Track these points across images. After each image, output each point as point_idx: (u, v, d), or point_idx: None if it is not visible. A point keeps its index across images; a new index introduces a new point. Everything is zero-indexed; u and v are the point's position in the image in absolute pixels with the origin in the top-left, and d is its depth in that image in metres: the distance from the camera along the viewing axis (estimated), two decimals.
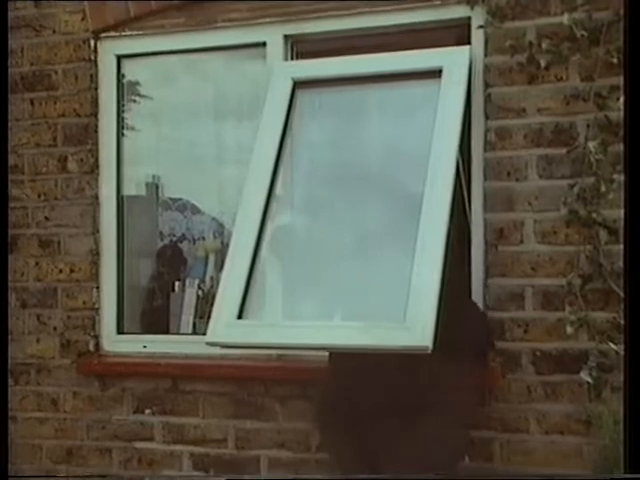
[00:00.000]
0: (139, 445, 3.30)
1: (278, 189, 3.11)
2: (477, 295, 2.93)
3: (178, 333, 3.54)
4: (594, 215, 2.68)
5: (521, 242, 2.84)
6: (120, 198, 3.47)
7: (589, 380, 2.66)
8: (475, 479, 2.31)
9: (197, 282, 3.58)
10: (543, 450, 2.78)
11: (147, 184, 3.76)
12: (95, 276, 3.40)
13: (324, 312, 3.24)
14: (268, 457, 3.12)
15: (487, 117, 2.90)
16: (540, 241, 2.81)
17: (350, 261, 3.27)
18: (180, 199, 3.77)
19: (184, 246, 3.77)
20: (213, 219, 3.75)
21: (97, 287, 3.40)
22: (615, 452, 2.38)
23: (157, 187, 3.79)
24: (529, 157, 2.83)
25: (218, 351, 3.04)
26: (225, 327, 2.84)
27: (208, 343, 2.85)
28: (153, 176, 3.78)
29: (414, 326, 2.75)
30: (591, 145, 2.68)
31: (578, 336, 2.73)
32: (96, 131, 3.39)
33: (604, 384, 2.67)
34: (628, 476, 1.90)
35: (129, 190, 3.56)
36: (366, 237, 3.28)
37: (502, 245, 2.86)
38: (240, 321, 2.87)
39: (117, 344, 3.42)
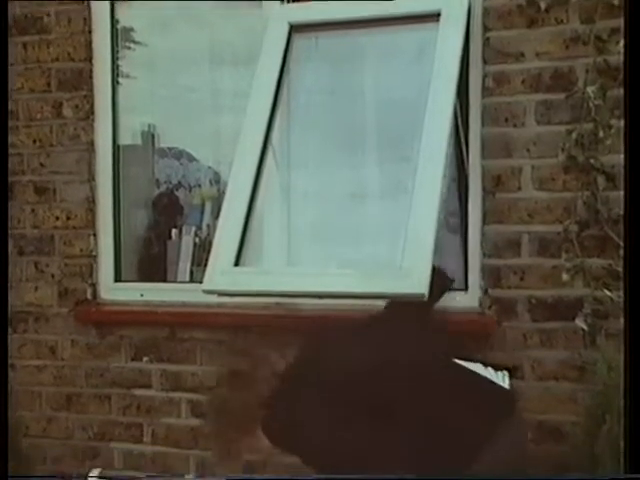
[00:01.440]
0: (137, 392, 3.34)
1: (274, 136, 3.13)
2: (474, 242, 2.95)
3: (175, 281, 3.58)
4: (592, 161, 2.68)
5: (518, 189, 2.84)
6: (116, 147, 3.46)
7: (584, 327, 2.69)
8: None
9: (194, 229, 3.60)
10: (538, 396, 2.81)
11: (143, 133, 3.78)
12: (92, 224, 3.40)
13: (321, 260, 3.29)
14: None
15: (485, 62, 2.87)
16: (538, 188, 2.81)
17: (347, 209, 3.30)
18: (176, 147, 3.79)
19: (180, 194, 3.80)
20: (209, 167, 3.78)
21: (94, 235, 3.41)
22: (608, 398, 2.42)
23: (153, 136, 3.81)
24: (527, 103, 2.82)
25: (215, 299, 3.06)
26: (222, 275, 2.87)
27: (205, 291, 2.89)
28: (149, 125, 3.79)
29: (410, 274, 2.79)
30: (590, 90, 2.66)
31: (574, 283, 2.75)
32: (91, 77, 3.36)
33: (599, 331, 2.69)
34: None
35: (124, 139, 3.55)
36: (363, 185, 3.31)
37: (499, 192, 2.86)
38: (237, 268, 2.90)
39: (114, 292, 3.44)
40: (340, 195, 3.29)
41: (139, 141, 3.73)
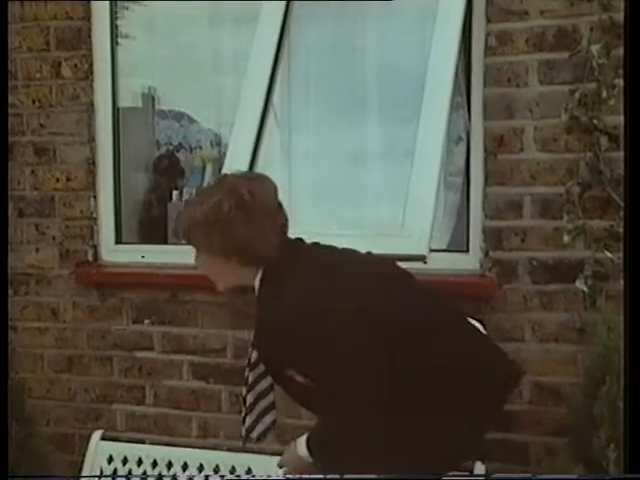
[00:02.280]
0: (139, 354, 3.37)
1: (275, 97, 3.13)
2: (476, 204, 2.95)
3: (176, 243, 3.59)
4: (595, 121, 2.67)
5: (521, 150, 2.83)
6: (116, 109, 3.45)
7: (584, 289, 2.70)
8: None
9: (194, 191, 3.60)
10: (538, 358, 2.83)
11: (143, 95, 3.78)
12: (92, 185, 3.40)
13: (322, 221, 3.31)
14: None
15: (488, 20, 2.84)
16: (540, 149, 2.80)
17: (348, 170, 3.32)
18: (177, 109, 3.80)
19: (181, 155, 3.81)
20: (210, 128, 3.78)
21: (94, 196, 3.41)
22: (608, 360, 2.44)
23: (153, 98, 3.82)
24: (530, 62, 2.80)
25: None
26: None
27: None
28: (149, 87, 3.80)
29: (411, 235, 2.83)
30: (594, 49, 2.64)
31: (575, 245, 2.76)
32: (89, 36, 3.35)
33: (599, 292, 2.70)
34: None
35: (124, 102, 3.55)
36: (364, 146, 3.32)
37: (501, 153, 2.85)
38: None
39: (115, 254, 3.45)
40: (341, 156, 3.31)
41: (139, 103, 3.73)
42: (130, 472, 3.23)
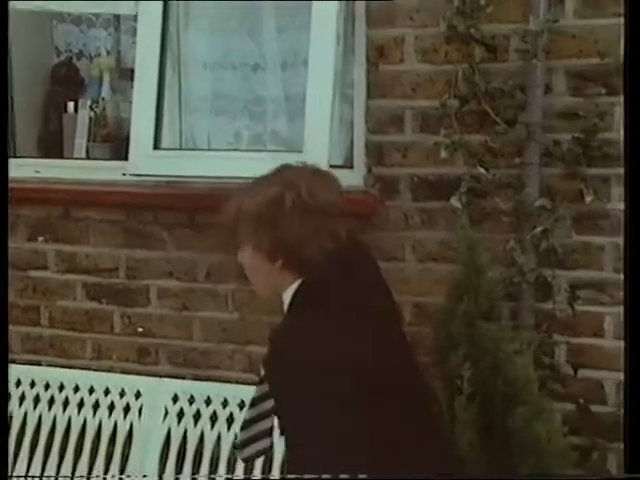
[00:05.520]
0: (33, 274, 3.56)
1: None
2: (359, 118, 3.09)
3: (72, 157, 3.76)
4: (472, 31, 2.77)
5: (401, 61, 2.95)
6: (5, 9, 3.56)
7: (459, 206, 2.86)
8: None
9: (89, 103, 3.76)
10: (418, 278, 3.02)
11: None
12: None
13: (220, 137, 3.50)
14: (157, 287, 3.40)
15: None
16: (420, 60, 2.92)
17: (247, 82, 3.48)
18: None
19: (81, 64, 3.93)
20: (109, 34, 3.90)
21: None
22: (466, 278, 2.62)
23: None
24: None
25: (109, 177, 3.35)
26: (144, 158, 3.21)
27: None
28: None
29: (311, 153, 2.95)
30: None
31: (454, 161, 2.90)
32: None
33: (473, 210, 2.86)
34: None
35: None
36: (263, 55, 3.46)
37: (383, 64, 2.97)
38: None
39: (10, 169, 3.62)
40: (239, 66, 3.43)
41: (34, 6, 3.83)
42: (23, 395, 3.48)
